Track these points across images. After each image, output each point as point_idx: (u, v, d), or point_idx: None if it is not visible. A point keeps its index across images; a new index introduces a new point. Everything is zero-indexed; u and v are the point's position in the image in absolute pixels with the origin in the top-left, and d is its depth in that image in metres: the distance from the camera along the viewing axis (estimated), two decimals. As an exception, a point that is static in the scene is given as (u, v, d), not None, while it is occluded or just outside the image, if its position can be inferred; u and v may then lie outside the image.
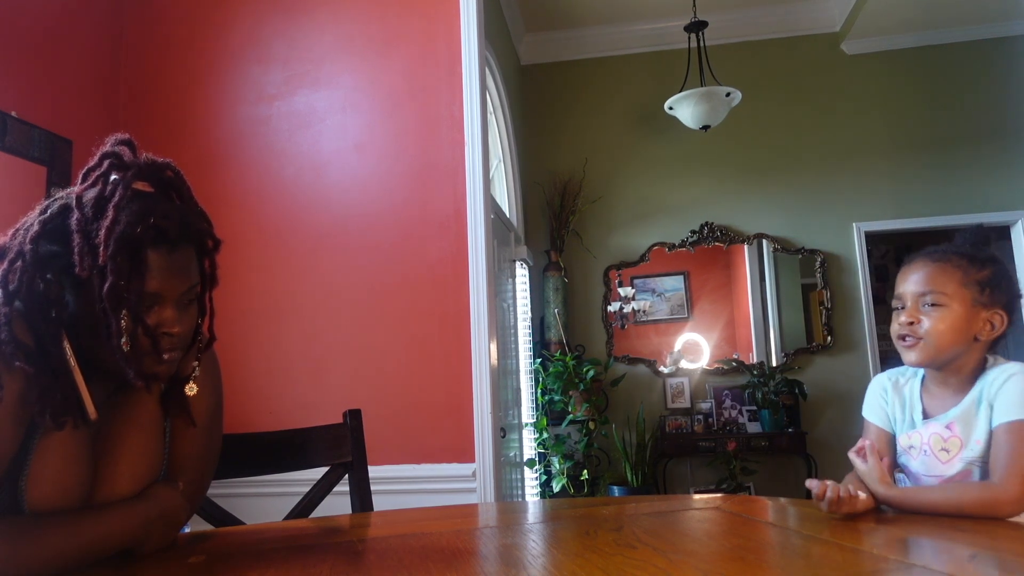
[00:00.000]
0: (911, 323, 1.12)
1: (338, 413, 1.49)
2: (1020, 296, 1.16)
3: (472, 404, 2.30)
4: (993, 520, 1.05)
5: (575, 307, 4.64)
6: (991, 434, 1.05)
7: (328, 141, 2.51)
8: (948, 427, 1.10)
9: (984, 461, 1.07)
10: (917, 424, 1.17)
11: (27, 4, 2.30)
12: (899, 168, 4.46)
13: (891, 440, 1.22)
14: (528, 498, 3.90)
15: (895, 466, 1.20)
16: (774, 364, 4.46)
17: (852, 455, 1.12)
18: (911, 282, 1.14)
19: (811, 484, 1.04)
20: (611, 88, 4.79)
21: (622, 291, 4.54)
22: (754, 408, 4.34)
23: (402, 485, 2.25)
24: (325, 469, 1.44)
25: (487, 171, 2.48)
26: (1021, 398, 1.03)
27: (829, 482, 1.02)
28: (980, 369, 1.13)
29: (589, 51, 4.82)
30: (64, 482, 0.85)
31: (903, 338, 1.14)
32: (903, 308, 1.15)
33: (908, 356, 1.14)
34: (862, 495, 1.02)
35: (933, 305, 1.11)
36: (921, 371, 1.20)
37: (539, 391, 4.20)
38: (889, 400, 1.23)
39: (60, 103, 2.39)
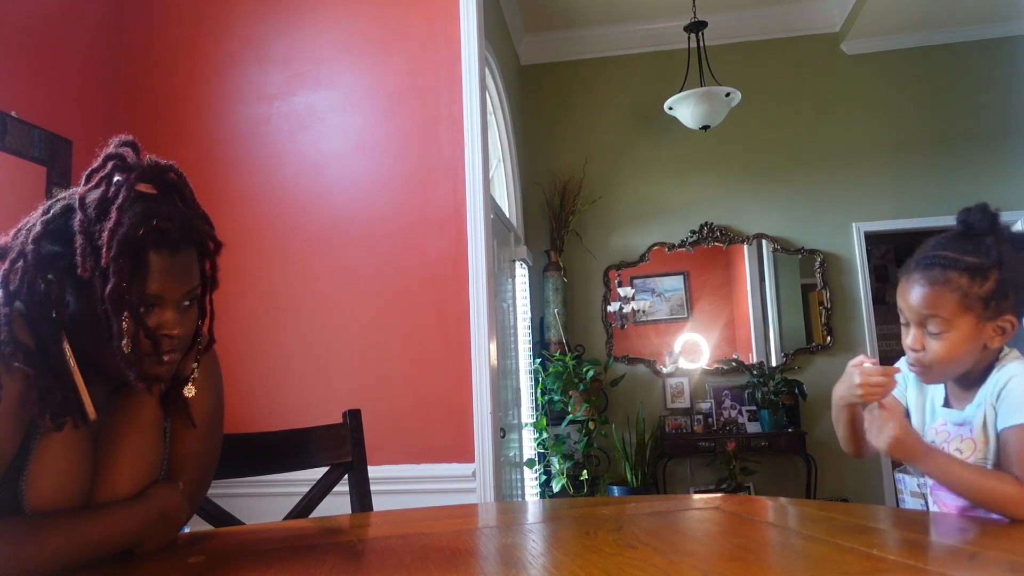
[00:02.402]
0: (916, 350, 1.10)
1: (338, 413, 1.49)
2: None
3: (472, 404, 2.30)
4: (992, 519, 1.05)
5: (575, 307, 4.64)
6: (997, 437, 1.05)
7: (328, 141, 2.52)
8: (970, 428, 1.09)
9: (992, 461, 1.06)
10: (937, 409, 1.16)
11: (27, 4, 2.30)
12: (899, 168, 4.46)
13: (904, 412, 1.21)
14: (528, 498, 3.90)
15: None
16: (774, 364, 4.46)
17: (855, 366, 1.10)
18: (912, 302, 1.09)
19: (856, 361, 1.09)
20: (611, 88, 4.79)
21: (622, 291, 4.54)
22: (754, 408, 4.34)
23: (402, 485, 2.25)
24: (325, 469, 1.44)
25: (487, 171, 2.48)
26: (1020, 400, 1.02)
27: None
28: (995, 360, 1.11)
29: (589, 51, 4.82)
30: (64, 482, 0.86)
31: (914, 362, 1.12)
32: (907, 325, 1.12)
33: (921, 378, 1.14)
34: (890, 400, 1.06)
35: (936, 332, 1.07)
36: None
37: (539, 391, 4.20)
38: (908, 389, 1.22)
39: (60, 103, 2.39)
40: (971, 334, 1.06)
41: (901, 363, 1.25)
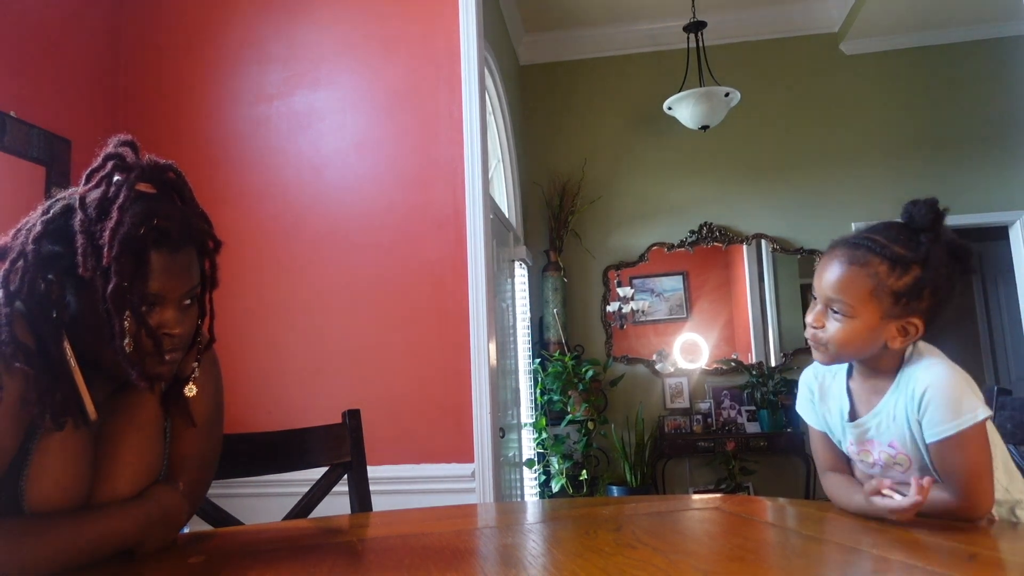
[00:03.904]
0: (815, 327, 1.07)
1: (338, 413, 1.49)
2: (953, 291, 1.04)
3: (471, 404, 2.30)
4: (992, 520, 1.05)
5: (574, 307, 4.64)
6: (928, 447, 1.02)
7: (328, 141, 2.51)
8: (891, 445, 1.07)
9: (933, 467, 1.04)
10: (846, 425, 1.12)
11: (27, 4, 2.29)
12: (898, 168, 4.46)
13: (830, 440, 1.18)
14: (527, 498, 3.90)
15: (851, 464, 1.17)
16: (773, 364, 4.47)
17: (878, 500, 0.97)
18: (824, 280, 1.06)
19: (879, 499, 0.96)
20: (611, 88, 4.79)
21: (621, 291, 4.54)
22: (753, 408, 4.35)
23: (402, 485, 2.25)
24: (325, 469, 1.44)
25: (486, 171, 2.48)
26: (943, 413, 0.98)
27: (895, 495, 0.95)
28: (901, 358, 1.07)
29: (589, 51, 4.82)
30: (64, 482, 0.86)
31: (810, 336, 1.09)
32: (815, 300, 1.09)
33: (814, 355, 1.10)
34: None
35: (837, 313, 1.04)
36: (845, 365, 1.15)
37: (538, 391, 4.20)
38: (817, 405, 1.19)
39: (60, 103, 2.39)
40: (872, 325, 1.02)
41: (805, 374, 1.22)
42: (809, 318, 1.08)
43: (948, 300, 1.04)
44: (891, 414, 1.06)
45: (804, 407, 1.22)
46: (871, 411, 1.09)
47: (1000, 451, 1.06)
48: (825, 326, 1.05)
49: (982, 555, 0.83)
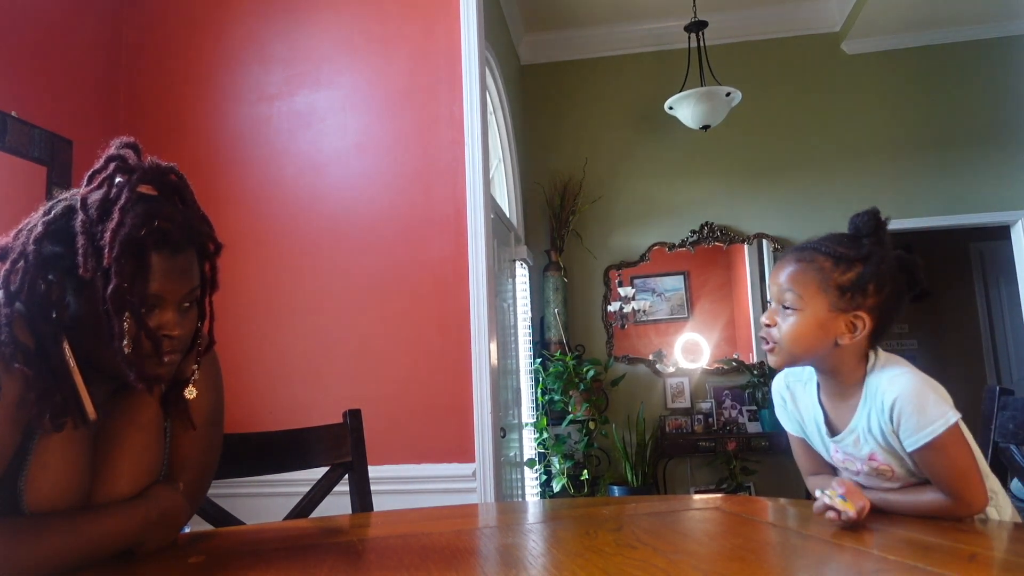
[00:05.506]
0: (768, 325, 1.11)
1: (338, 413, 1.49)
2: (899, 295, 1.09)
3: (472, 404, 2.30)
4: (993, 520, 1.05)
5: (575, 307, 4.64)
6: (910, 454, 1.04)
7: (328, 141, 2.52)
8: (871, 458, 1.08)
9: (918, 473, 1.06)
10: (825, 439, 1.15)
11: (27, 4, 2.30)
12: (899, 168, 4.46)
13: (809, 445, 1.22)
14: (528, 498, 3.90)
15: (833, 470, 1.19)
16: (774, 364, 4.46)
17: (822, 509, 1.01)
18: (775, 279, 1.13)
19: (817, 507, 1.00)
20: (611, 88, 4.79)
21: (622, 291, 4.54)
22: (754, 408, 4.34)
23: (402, 485, 2.25)
24: (325, 469, 1.44)
25: (487, 171, 2.48)
26: (916, 421, 1.01)
27: (827, 499, 0.98)
28: (864, 369, 1.10)
29: (589, 51, 4.82)
30: (63, 483, 0.86)
31: (764, 340, 1.13)
32: (770, 304, 1.14)
33: (768, 358, 1.13)
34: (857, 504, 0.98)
35: (789, 308, 1.09)
36: (815, 376, 1.18)
37: (539, 391, 4.20)
38: (789, 411, 1.22)
39: (60, 103, 2.39)
40: (822, 319, 1.07)
41: (776, 382, 1.25)
42: (763, 318, 1.13)
43: (896, 300, 1.09)
44: (865, 428, 1.08)
45: (780, 414, 1.25)
46: (846, 427, 1.11)
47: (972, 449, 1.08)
48: (778, 324, 1.10)
49: (982, 555, 0.83)
